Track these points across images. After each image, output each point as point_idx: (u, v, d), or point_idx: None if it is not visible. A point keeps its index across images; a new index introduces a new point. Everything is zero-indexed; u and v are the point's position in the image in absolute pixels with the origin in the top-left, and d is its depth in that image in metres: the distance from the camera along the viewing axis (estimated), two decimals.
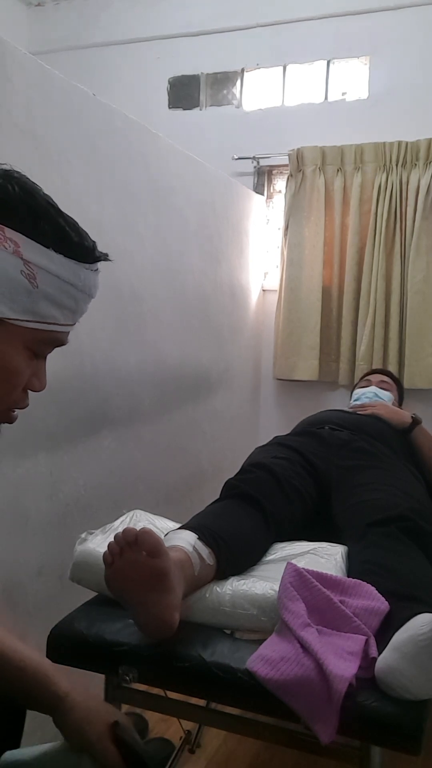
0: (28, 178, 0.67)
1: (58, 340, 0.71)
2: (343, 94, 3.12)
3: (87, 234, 0.70)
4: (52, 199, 0.68)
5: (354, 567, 1.30)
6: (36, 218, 0.64)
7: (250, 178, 3.22)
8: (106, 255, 0.72)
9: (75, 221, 0.69)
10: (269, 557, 1.36)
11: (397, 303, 2.90)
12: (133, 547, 1.04)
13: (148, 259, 2.07)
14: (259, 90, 3.25)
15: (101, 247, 0.73)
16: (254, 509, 1.41)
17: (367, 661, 1.03)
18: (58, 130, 1.59)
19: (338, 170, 2.97)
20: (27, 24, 3.50)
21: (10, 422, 0.73)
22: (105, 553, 1.08)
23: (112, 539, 1.07)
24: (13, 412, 0.73)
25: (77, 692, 0.92)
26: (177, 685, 1.13)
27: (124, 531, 1.06)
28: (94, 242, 0.70)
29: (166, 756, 1.67)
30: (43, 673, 0.92)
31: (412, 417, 2.01)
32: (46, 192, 0.68)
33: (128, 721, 0.93)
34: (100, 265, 0.73)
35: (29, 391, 0.73)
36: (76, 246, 0.67)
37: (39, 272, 0.64)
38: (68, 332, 0.72)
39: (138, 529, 1.06)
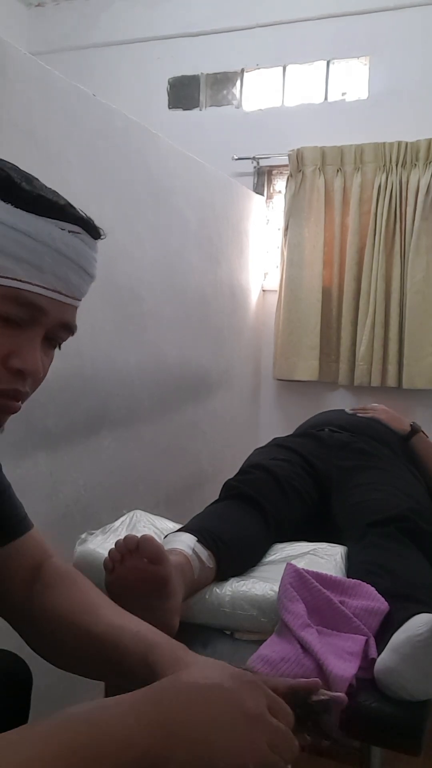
0: None
1: (28, 301, 0.64)
2: (343, 94, 3.12)
3: (57, 194, 0.67)
4: (17, 166, 0.65)
5: (353, 567, 1.30)
6: None
7: (250, 178, 3.22)
8: (90, 220, 0.68)
9: (44, 185, 0.66)
10: (269, 558, 1.36)
11: (396, 303, 2.90)
12: (134, 554, 1.04)
13: (147, 260, 2.07)
14: (259, 90, 3.25)
15: (100, 247, 0.71)
16: (254, 510, 1.41)
17: (367, 662, 1.03)
18: (58, 130, 1.59)
19: (338, 170, 2.97)
20: (27, 24, 3.50)
21: (11, 411, 0.68)
22: (106, 560, 1.08)
23: (113, 546, 1.07)
24: (12, 399, 0.67)
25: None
26: None
27: (126, 538, 1.06)
28: (66, 202, 0.67)
29: None
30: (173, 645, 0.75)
31: (411, 425, 2.00)
32: None
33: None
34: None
35: (24, 376, 0.66)
36: (26, 194, 0.63)
37: None
38: (45, 295, 0.65)
39: (139, 536, 1.06)
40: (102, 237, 0.70)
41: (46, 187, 0.66)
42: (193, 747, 0.56)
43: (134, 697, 0.58)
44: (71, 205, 0.67)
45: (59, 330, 0.69)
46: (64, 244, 0.65)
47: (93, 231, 0.69)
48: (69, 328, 0.70)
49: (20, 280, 0.63)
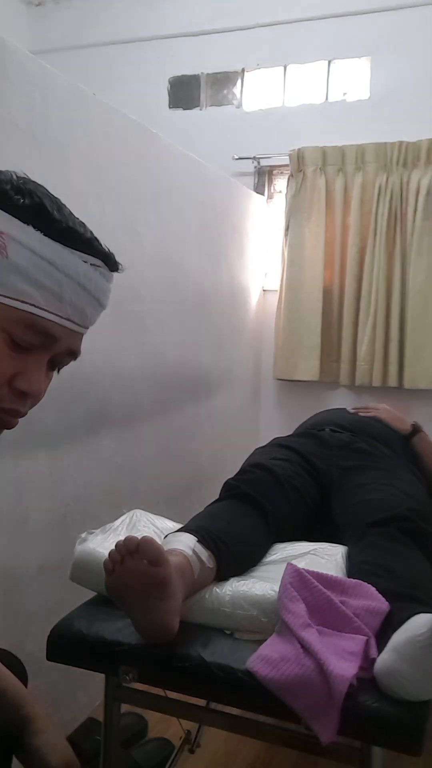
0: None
1: (43, 328, 0.65)
2: (344, 94, 3.12)
3: (85, 226, 0.68)
4: (49, 192, 0.66)
5: (354, 567, 1.30)
6: (16, 193, 0.63)
7: (251, 178, 3.22)
8: (111, 255, 0.69)
9: (72, 213, 0.67)
10: (269, 558, 1.36)
11: (397, 303, 2.90)
12: (134, 556, 1.04)
13: (148, 259, 2.07)
14: (260, 90, 3.25)
15: None
16: (254, 510, 1.41)
17: (368, 662, 1.03)
18: (58, 129, 1.59)
19: (339, 170, 2.97)
20: (27, 23, 3.50)
21: (7, 427, 0.69)
22: (106, 561, 1.07)
23: (113, 546, 1.07)
24: (12, 417, 0.68)
25: (48, 718, 0.90)
26: (177, 684, 1.13)
27: (126, 539, 1.06)
28: (92, 236, 0.68)
29: (166, 756, 1.67)
30: (21, 696, 0.90)
31: (412, 425, 2.00)
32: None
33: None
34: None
35: (26, 397, 0.67)
36: (57, 224, 0.64)
37: (10, 243, 0.61)
38: (59, 324, 0.66)
39: (139, 536, 1.06)
40: (120, 271, 0.72)
41: (73, 216, 0.67)
42: None
43: None
44: (96, 239, 0.68)
45: (65, 356, 0.71)
46: (86, 277, 0.66)
47: (112, 265, 0.70)
48: (74, 355, 0.72)
49: (39, 307, 0.64)
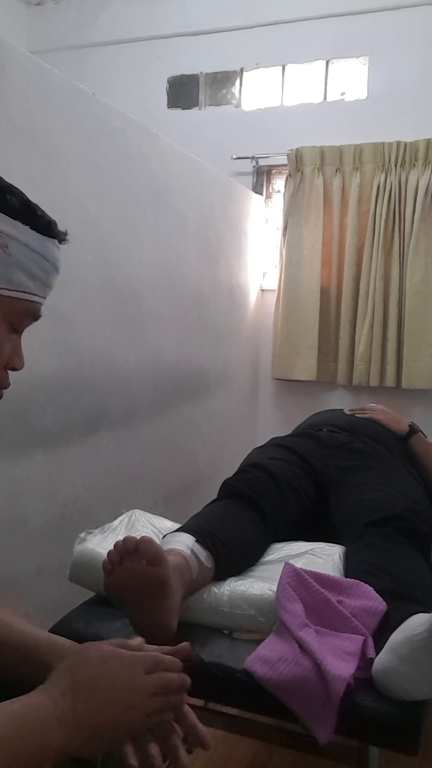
0: None
1: (33, 312, 0.72)
2: (342, 94, 3.12)
3: (42, 209, 0.73)
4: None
5: (351, 567, 1.30)
6: (5, 193, 0.67)
7: (249, 177, 3.22)
8: (65, 233, 0.74)
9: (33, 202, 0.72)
10: (267, 558, 1.36)
11: (395, 303, 2.91)
12: (133, 556, 1.04)
13: (146, 259, 2.07)
14: (258, 90, 3.25)
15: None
16: (252, 510, 1.41)
17: (365, 662, 1.03)
18: (57, 129, 1.59)
19: (337, 170, 2.98)
20: (26, 23, 3.50)
21: None
22: (104, 561, 1.08)
23: (112, 547, 1.07)
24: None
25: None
26: None
27: (124, 540, 1.06)
28: (53, 219, 0.73)
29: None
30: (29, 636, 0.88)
31: (409, 425, 2.00)
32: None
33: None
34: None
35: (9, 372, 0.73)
36: (40, 219, 0.70)
37: (11, 242, 0.66)
38: (41, 305, 0.73)
39: (138, 536, 1.06)
40: (67, 241, 0.76)
41: (36, 204, 0.71)
42: (102, 735, 0.64)
43: (54, 701, 0.63)
44: (54, 221, 0.73)
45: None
46: (58, 259, 0.73)
47: (64, 237, 0.75)
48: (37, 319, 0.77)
49: (33, 294, 0.70)
